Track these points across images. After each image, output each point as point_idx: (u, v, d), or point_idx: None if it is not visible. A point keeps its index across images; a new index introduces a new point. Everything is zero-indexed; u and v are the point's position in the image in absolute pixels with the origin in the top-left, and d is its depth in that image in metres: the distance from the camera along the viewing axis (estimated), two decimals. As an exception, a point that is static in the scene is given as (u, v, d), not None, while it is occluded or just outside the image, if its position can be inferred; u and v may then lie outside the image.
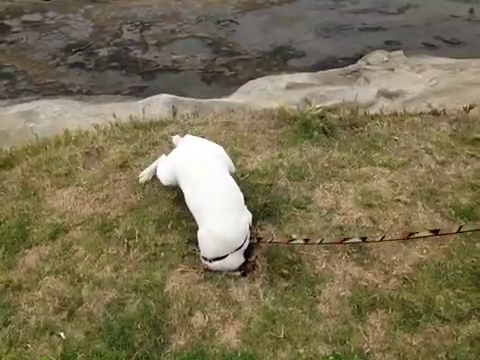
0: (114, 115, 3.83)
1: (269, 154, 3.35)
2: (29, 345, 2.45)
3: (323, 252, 2.77)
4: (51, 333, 2.50)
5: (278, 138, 3.49)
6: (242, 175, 3.15)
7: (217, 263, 2.68)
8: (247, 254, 2.74)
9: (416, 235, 2.62)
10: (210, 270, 2.71)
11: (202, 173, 2.74)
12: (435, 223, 2.82)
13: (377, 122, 3.53)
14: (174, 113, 4.04)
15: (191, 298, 2.60)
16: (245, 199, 2.85)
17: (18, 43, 6.83)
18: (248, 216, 2.81)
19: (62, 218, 3.03)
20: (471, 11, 7.21)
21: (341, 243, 2.73)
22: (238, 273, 2.71)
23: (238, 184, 2.83)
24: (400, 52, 6.51)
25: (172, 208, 3.02)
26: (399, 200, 2.97)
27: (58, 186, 3.23)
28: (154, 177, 3.15)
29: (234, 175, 3.00)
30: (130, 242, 2.85)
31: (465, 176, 3.09)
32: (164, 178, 3.01)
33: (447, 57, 6.36)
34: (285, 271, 2.68)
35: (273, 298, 2.59)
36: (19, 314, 2.59)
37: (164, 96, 5.64)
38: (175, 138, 3.16)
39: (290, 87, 6.17)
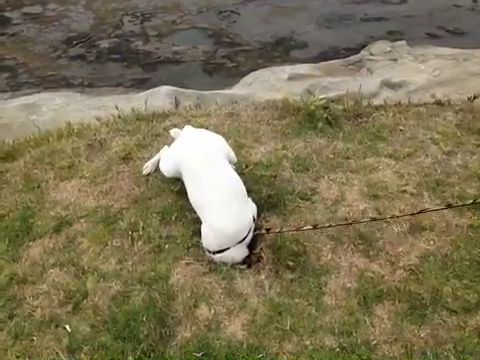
0: (117, 107, 3.81)
1: (273, 145, 3.33)
2: (34, 338, 2.45)
3: (328, 244, 2.76)
4: (56, 326, 2.49)
5: (282, 129, 3.46)
6: (246, 166, 3.12)
7: (220, 255, 2.67)
8: (252, 246, 2.72)
9: (427, 210, 2.53)
10: (215, 262, 2.70)
11: (202, 166, 2.71)
12: (442, 213, 2.80)
13: (382, 112, 3.50)
14: (176, 105, 4.02)
15: (196, 290, 2.59)
16: (249, 191, 2.84)
17: (19, 35, 6.76)
18: (252, 208, 2.79)
19: (66, 210, 3.01)
20: (474, 1, 7.13)
21: (351, 224, 2.70)
22: (243, 265, 2.69)
23: (242, 176, 2.81)
24: (403, 42, 6.44)
25: (176, 200, 3.00)
26: (405, 191, 2.95)
27: (61, 178, 3.22)
28: (157, 169, 3.13)
29: (237, 166, 2.98)
30: (134, 234, 2.84)
31: (472, 166, 3.07)
32: (166, 170, 2.99)
33: (450, 47, 6.28)
34: (290, 263, 2.67)
35: (279, 290, 2.58)
36: (24, 307, 2.58)
37: (166, 88, 5.58)
38: (174, 131, 3.12)
39: (292, 78, 6.11)
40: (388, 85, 5.86)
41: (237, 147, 3.19)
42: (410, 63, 6.24)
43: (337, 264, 2.68)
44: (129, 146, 3.37)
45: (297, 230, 2.72)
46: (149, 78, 6.15)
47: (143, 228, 2.86)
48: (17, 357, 2.39)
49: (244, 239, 2.66)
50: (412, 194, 2.94)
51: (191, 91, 5.61)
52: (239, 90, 5.88)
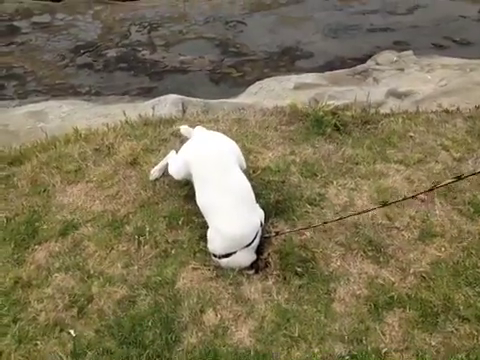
0: (124, 112, 3.80)
1: (281, 151, 3.31)
2: (39, 342, 2.41)
3: (338, 250, 2.72)
4: (61, 330, 2.46)
5: (290, 135, 3.44)
6: (254, 172, 3.10)
7: (226, 260, 2.63)
8: (259, 251, 2.69)
9: (440, 185, 2.40)
10: (222, 267, 2.66)
11: (213, 168, 2.68)
12: (453, 220, 2.76)
13: (391, 119, 3.48)
14: (184, 111, 4.01)
15: (203, 295, 2.55)
16: (257, 196, 2.81)
17: (27, 44, 6.83)
18: (260, 214, 2.76)
19: (72, 214, 2.99)
20: (480, 11, 7.15)
21: (361, 213, 2.63)
22: (251, 271, 2.65)
23: (250, 181, 2.78)
24: (409, 52, 6.43)
25: (183, 204, 2.98)
26: (415, 197, 2.90)
27: (68, 182, 3.20)
28: (164, 174, 3.11)
29: (246, 171, 2.95)
30: (141, 239, 2.81)
31: (483, 173, 3.02)
32: (176, 172, 2.95)
33: (457, 57, 6.28)
34: (298, 269, 2.63)
35: (286, 296, 2.54)
36: (29, 311, 2.54)
37: (172, 96, 5.58)
38: (184, 128, 3.09)
39: (298, 87, 6.10)
40: (394, 94, 5.83)
41: (245, 152, 3.16)
42: (416, 73, 6.23)
43: (346, 270, 2.63)
44: (136, 151, 3.35)
45: (308, 228, 2.67)
46: (156, 87, 6.17)
47: (149, 232, 2.84)
48: (21, 361, 2.35)
49: (250, 243, 2.62)
50: (422, 200, 2.90)
51: (198, 100, 5.62)
52: (245, 99, 5.88)
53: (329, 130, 3.38)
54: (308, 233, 2.77)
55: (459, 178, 2.25)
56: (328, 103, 3.50)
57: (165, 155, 3.20)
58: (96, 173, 3.24)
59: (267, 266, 2.68)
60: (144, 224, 2.88)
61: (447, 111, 3.67)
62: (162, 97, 5.65)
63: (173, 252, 2.75)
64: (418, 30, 6.79)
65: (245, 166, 2.95)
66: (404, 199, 2.52)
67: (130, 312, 2.49)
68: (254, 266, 2.67)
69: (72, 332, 2.44)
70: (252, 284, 2.60)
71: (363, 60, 6.40)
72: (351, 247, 2.71)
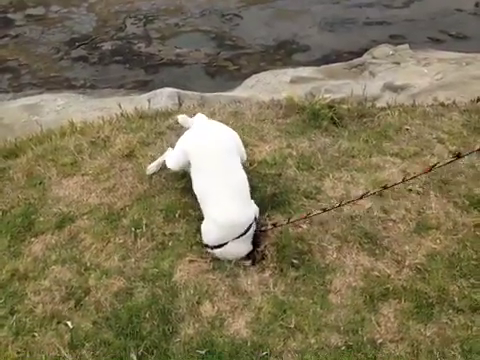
0: (120, 105, 3.79)
1: (277, 144, 3.31)
2: (36, 334, 2.41)
3: (334, 242, 2.73)
4: (58, 322, 2.46)
5: (286, 128, 3.44)
6: (250, 165, 3.10)
7: (219, 251, 2.64)
8: (256, 244, 2.69)
9: (439, 164, 2.36)
10: (219, 259, 2.66)
11: (213, 156, 2.67)
12: (448, 213, 2.78)
13: (387, 112, 3.49)
14: (180, 104, 4.00)
15: (199, 287, 2.56)
16: (253, 189, 2.81)
17: (22, 37, 6.78)
18: (254, 209, 2.74)
19: (68, 207, 2.99)
20: (477, 5, 7.15)
21: (361, 198, 2.61)
22: (247, 261, 2.66)
23: (246, 173, 2.78)
24: (406, 46, 6.44)
25: (179, 197, 2.97)
26: (411, 190, 2.93)
27: (64, 175, 3.19)
28: (161, 168, 3.10)
29: (243, 164, 2.95)
30: (137, 231, 2.81)
31: (478, 166, 3.05)
32: (175, 163, 2.92)
33: (453, 51, 6.29)
34: (295, 261, 2.64)
35: (283, 288, 2.55)
36: (25, 303, 2.55)
37: (168, 90, 5.58)
38: (182, 117, 3.07)
39: (294, 81, 6.11)
40: (391, 88, 5.85)
41: (241, 145, 3.16)
42: (413, 67, 6.24)
43: (342, 263, 2.65)
44: (132, 144, 3.35)
45: (306, 217, 2.67)
46: (151, 80, 6.16)
47: (146, 225, 2.84)
48: (18, 353, 2.35)
49: (244, 234, 2.61)
50: (418, 193, 2.91)
51: (194, 93, 5.61)
52: (241, 92, 5.87)
53: (325, 123, 3.38)
54: (304, 225, 2.79)
55: (458, 157, 2.25)
56: (324, 96, 3.50)
57: (161, 148, 3.20)
58: (92, 166, 3.23)
59: (264, 258, 2.69)
60: (141, 217, 2.88)
61: (443, 104, 3.68)
62: (158, 90, 5.64)
63: (170, 244, 2.75)
64: (414, 24, 6.79)
65: (245, 157, 2.93)
66: (403, 181, 2.48)
67: (127, 304, 2.50)
68: (251, 257, 2.67)
69: (69, 324, 2.44)
70: (249, 276, 2.61)
71: (359, 54, 6.41)
72: (347, 239, 2.73)
